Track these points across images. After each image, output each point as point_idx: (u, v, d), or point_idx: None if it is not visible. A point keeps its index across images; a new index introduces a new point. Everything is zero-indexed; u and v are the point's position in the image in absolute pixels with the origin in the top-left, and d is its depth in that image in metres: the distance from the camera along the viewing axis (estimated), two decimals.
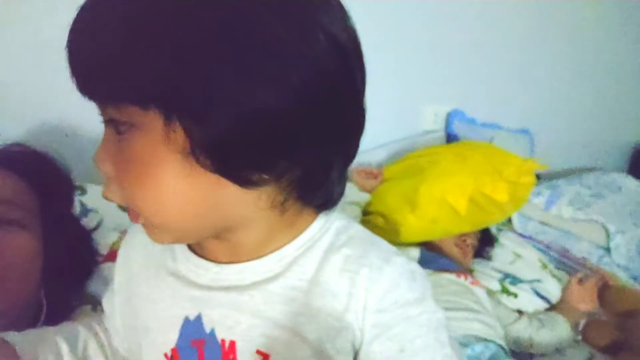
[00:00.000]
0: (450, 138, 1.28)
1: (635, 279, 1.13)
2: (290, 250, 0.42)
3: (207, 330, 0.43)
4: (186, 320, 0.43)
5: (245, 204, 0.37)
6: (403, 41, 1.15)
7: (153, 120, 0.32)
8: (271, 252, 0.42)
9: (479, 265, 1.06)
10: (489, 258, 1.09)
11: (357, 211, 0.95)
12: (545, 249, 1.20)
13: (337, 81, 0.34)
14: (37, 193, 0.61)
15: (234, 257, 0.42)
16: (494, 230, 1.15)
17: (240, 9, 0.31)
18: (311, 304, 0.41)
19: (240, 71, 0.31)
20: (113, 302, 0.51)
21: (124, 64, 0.31)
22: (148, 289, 0.46)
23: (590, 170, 1.46)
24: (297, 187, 0.38)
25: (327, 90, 0.33)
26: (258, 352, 0.41)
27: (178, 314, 0.43)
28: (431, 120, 1.31)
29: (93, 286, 0.66)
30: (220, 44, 0.30)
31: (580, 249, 1.18)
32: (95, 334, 0.53)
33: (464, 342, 0.78)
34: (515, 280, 1.04)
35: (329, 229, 0.43)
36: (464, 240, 1.00)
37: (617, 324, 1.03)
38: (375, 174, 1.01)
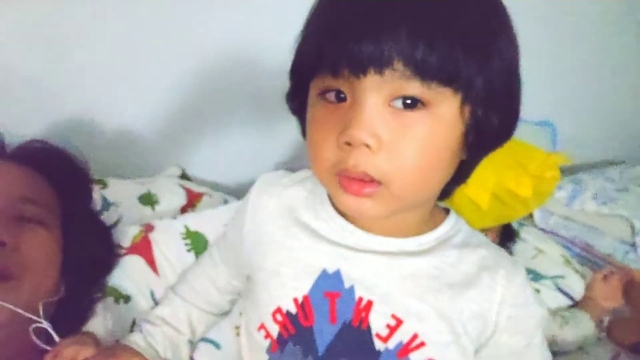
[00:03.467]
0: None
1: None
2: (428, 239, 0.47)
3: (347, 285, 0.46)
4: (324, 272, 0.47)
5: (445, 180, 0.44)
6: None
7: (453, 104, 0.37)
8: (411, 236, 0.47)
9: None
10: (510, 253, 1.07)
11: None
12: (568, 244, 1.18)
13: None
14: (56, 189, 0.61)
15: (375, 230, 0.47)
16: (515, 225, 1.13)
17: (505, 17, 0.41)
18: (453, 287, 0.46)
19: (517, 75, 0.41)
20: (232, 247, 0.57)
21: (469, 51, 0.35)
22: (281, 236, 0.50)
23: (614, 163, 1.42)
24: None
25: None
26: (393, 316, 0.45)
27: (315, 264, 0.47)
28: None
29: (116, 279, 0.66)
30: (503, 42, 0.39)
31: (604, 245, 1.15)
32: (193, 302, 0.61)
33: None
34: (537, 277, 1.02)
35: (460, 229, 0.50)
36: (486, 235, 0.98)
37: None
38: None
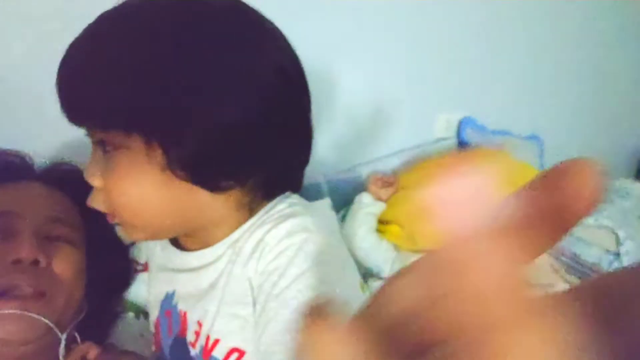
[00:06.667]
0: (462, 145, 1.31)
1: None
2: (236, 234, 0.49)
3: (174, 303, 0.53)
4: (166, 295, 0.55)
5: (214, 206, 0.46)
6: (415, 51, 1.19)
7: (136, 142, 0.41)
8: (222, 238, 0.49)
9: None
10: None
11: (373, 221, 0.98)
12: (556, 253, 1.23)
13: (284, 103, 0.43)
14: (81, 209, 0.65)
15: (194, 246, 0.52)
16: None
17: (205, 51, 0.40)
18: (232, 272, 0.48)
19: (203, 99, 0.40)
20: None
21: (112, 98, 0.40)
22: (151, 269, 0.62)
23: None
24: (261, 189, 0.47)
25: (276, 110, 0.42)
26: (198, 322, 0.50)
27: (162, 290, 0.56)
28: (443, 127, 1.34)
29: (134, 294, 0.70)
30: (188, 78, 0.40)
31: (590, 254, 1.21)
32: None
33: None
34: None
35: (270, 210, 0.49)
36: None
37: None
38: (391, 182, 1.04)
